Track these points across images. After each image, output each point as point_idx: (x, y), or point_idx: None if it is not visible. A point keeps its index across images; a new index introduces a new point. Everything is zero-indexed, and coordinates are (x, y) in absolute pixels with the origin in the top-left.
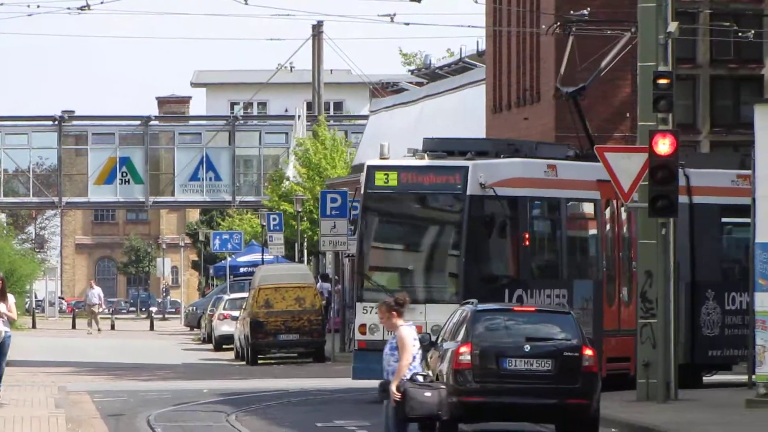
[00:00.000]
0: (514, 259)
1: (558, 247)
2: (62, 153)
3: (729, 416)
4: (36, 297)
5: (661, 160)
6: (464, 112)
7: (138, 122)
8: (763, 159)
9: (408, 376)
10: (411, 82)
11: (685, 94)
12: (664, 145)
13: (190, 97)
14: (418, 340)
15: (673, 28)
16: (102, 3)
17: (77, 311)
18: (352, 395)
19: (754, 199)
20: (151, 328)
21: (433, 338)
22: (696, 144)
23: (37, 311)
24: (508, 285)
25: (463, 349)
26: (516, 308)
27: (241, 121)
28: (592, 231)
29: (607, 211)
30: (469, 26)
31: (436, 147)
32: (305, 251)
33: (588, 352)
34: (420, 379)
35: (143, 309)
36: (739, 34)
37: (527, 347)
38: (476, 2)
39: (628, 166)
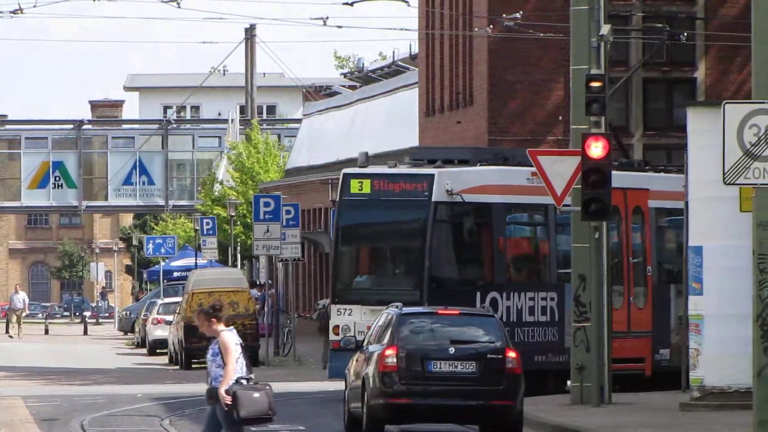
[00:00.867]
0: (486, 264)
1: (545, 251)
2: None
3: (661, 420)
4: None
5: (593, 164)
6: (397, 115)
7: (71, 126)
8: (696, 162)
9: (234, 380)
10: (344, 86)
11: (618, 96)
12: (596, 149)
13: (123, 101)
14: (239, 345)
15: (606, 31)
16: (35, 6)
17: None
18: (286, 399)
19: (687, 203)
20: (85, 332)
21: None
22: (629, 147)
23: None
24: (479, 288)
25: (388, 352)
26: (440, 311)
27: (174, 125)
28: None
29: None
30: (402, 29)
31: (422, 156)
32: (239, 255)
33: (511, 354)
34: (245, 382)
35: (77, 314)
36: (672, 36)
37: (452, 350)
38: (408, 5)
39: (561, 170)
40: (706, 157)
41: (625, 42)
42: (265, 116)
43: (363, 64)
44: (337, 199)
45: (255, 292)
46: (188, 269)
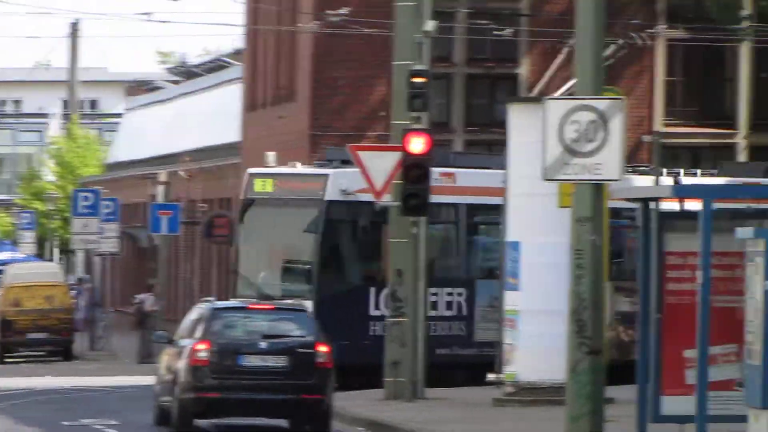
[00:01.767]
0: (380, 261)
1: (452, 248)
2: None
3: (472, 414)
4: None
5: (414, 159)
6: (220, 110)
7: None
8: (517, 159)
9: None
10: (167, 81)
11: (440, 92)
12: (417, 144)
13: None
14: None
15: (431, 26)
16: None
17: None
18: (99, 394)
19: (505, 199)
20: None
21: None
22: (449, 142)
23: None
24: (373, 284)
25: (200, 346)
26: (252, 306)
27: None
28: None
29: None
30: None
31: (332, 156)
32: (56, 250)
33: (322, 348)
34: None
35: None
36: (496, 33)
37: (263, 344)
38: (233, 1)
39: (381, 165)
40: (527, 153)
41: (449, 38)
42: (87, 111)
43: (186, 59)
44: (241, 198)
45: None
46: (5, 263)
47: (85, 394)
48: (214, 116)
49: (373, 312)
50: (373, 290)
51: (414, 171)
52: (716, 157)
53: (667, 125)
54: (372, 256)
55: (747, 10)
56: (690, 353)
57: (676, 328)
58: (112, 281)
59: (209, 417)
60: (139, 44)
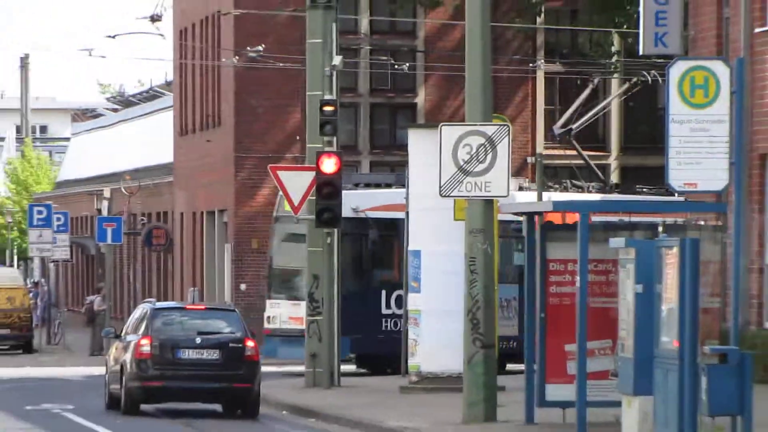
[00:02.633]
0: (391, 268)
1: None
2: None
3: (381, 399)
4: None
5: (326, 178)
6: (155, 135)
7: None
8: (416, 177)
9: None
10: (108, 109)
11: (348, 119)
12: (329, 165)
13: None
14: None
15: (338, 61)
16: None
17: None
18: (57, 382)
19: (407, 213)
20: None
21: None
22: (357, 164)
23: None
24: (385, 287)
25: (143, 341)
26: (188, 306)
27: None
28: None
29: None
30: (159, 59)
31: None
32: (15, 257)
33: (250, 343)
34: None
35: None
36: (395, 67)
37: (198, 339)
38: (164, 38)
39: (298, 183)
40: (425, 172)
41: (354, 71)
42: (39, 135)
43: (124, 89)
44: (274, 215)
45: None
46: None
47: (44, 382)
48: (150, 140)
49: (385, 311)
50: (384, 292)
51: (326, 188)
52: (592, 176)
53: (547, 148)
54: (382, 263)
55: (616, 46)
56: (570, 347)
57: (558, 325)
58: (65, 284)
59: (153, 402)
60: (83, 76)
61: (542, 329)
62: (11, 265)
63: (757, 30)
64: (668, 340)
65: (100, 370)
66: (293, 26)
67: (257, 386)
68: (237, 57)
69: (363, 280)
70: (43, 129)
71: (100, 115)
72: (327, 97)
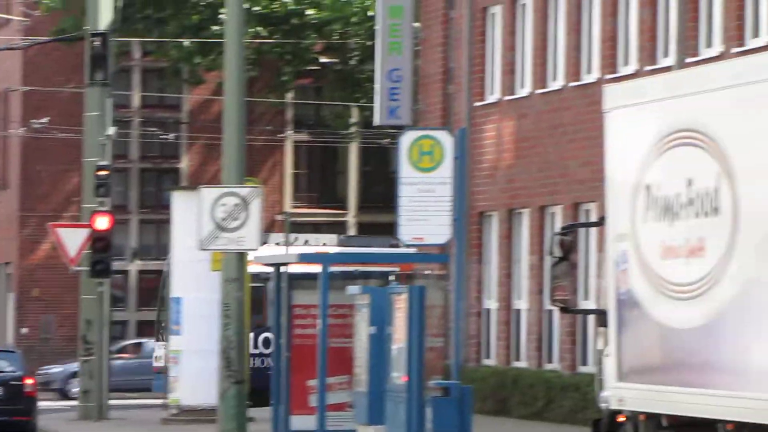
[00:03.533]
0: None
1: None
2: None
3: (144, 430)
4: None
5: (99, 234)
6: None
7: None
8: (179, 233)
9: None
10: None
11: (120, 182)
12: (102, 222)
13: None
14: None
15: (112, 131)
16: None
17: None
18: None
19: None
20: None
21: None
22: (128, 221)
23: None
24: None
25: None
26: None
27: None
28: None
29: None
30: None
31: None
32: None
33: (29, 381)
34: None
35: None
36: (162, 136)
37: None
38: None
39: (75, 239)
40: (187, 228)
41: (126, 140)
42: None
43: None
44: None
45: None
46: None
47: None
48: None
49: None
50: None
51: (99, 243)
52: (333, 231)
53: (294, 207)
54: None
55: (354, 118)
56: (312, 382)
57: (302, 363)
58: None
59: None
60: None
61: (287, 366)
62: None
63: (476, 104)
64: (398, 375)
65: None
66: (75, 101)
67: (35, 418)
68: (24, 128)
69: None
70: None
71: None
72: (102, 162)
